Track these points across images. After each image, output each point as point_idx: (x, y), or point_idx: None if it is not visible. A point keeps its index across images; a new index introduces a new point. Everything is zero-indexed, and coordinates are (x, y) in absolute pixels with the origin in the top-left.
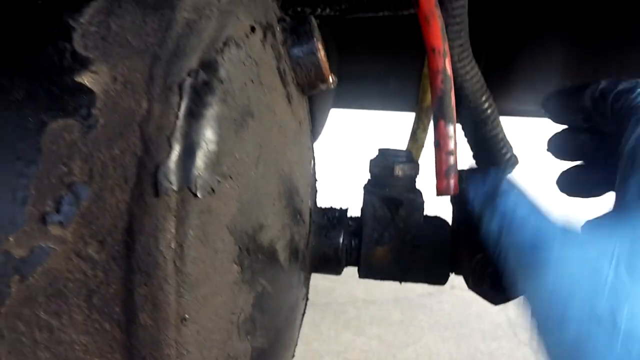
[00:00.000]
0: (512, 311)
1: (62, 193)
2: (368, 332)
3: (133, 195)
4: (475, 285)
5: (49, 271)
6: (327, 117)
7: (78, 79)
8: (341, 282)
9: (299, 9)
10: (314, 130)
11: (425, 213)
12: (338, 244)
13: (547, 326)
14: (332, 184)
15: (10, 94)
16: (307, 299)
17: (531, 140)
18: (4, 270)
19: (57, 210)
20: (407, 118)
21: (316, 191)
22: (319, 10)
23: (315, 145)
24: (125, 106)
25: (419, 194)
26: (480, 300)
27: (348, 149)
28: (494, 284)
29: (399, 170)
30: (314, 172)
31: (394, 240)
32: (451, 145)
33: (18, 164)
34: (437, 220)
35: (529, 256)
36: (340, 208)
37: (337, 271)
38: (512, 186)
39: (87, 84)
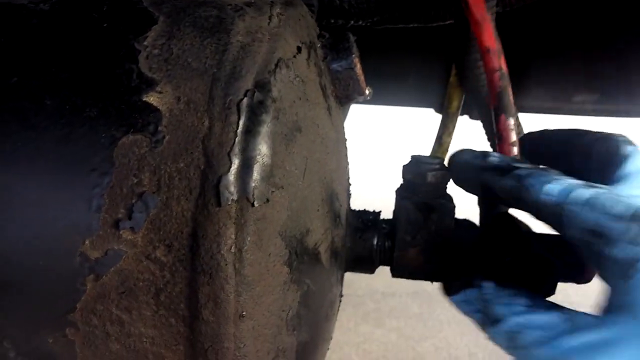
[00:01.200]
0: None
1: (133, 201)
2: (387, 324)
3: (197, 204)
4: None
5: (120, 271)
6: (347, 112)
7: (145, 98)
8: (360, 275)
9: (332, 21)
10: None
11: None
12: (372, 245)
13: None
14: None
15: (84, 111)
16: (341, 296)
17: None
18: (80, 270)
19: (129, 217)
20: (417, 114)
21: (350, 195)
22: (352, 22)
23: None
24: (189, 124)
25: (449, 199)
26: None
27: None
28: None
29: (431, 177)
30: (349, 177)
31: (426, 242)
32: (513, 137)
33: (93, 175)
34: (467, 223)
35: None
36: (374, 211)
37: (371, 270)
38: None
39: (154, 103)
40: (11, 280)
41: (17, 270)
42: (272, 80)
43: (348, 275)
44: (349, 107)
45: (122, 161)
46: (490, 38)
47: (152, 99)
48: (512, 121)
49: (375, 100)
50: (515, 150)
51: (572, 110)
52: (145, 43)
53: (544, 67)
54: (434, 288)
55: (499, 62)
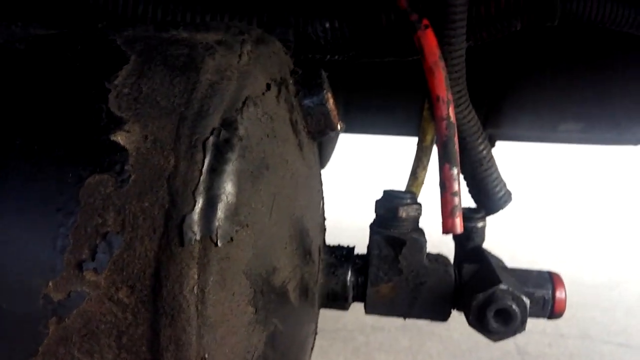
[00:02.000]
0: (521, 339)
1: (97, 242)
2: (377, 358)
3: (160, 244)
4: (475, 323)
5: (83, 313)
6: (335, 144)
7: (113, 137)
8: (349, 309)
9: (310, 56)
10: (323, 157)
11: (427, 251)
12: (345, 281)
13: None
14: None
15: (53, 151)
16: (315, 334)
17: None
18: (44, 312)
19: (93, 258)
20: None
21: (325, 230)
22: (329, 56)
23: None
24: (155, 162)
25: (421, 233)
26: None
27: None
28: (493, 323)
29: (402, 212)
30: (323, 212)
31: (397, 278)
32: (455, 187)
33: (58, 215)
34: (440, 258)
35: None
36: (347, 246)
37: (344, 307)
38: None
39: (121, 142)
40: None
41: None
42: (239, 118)
43: (337, 310)
44: (336, 138)
45: (87, 201)
46: (440, 86)
47: (119, 137)
48: (455, 171)
49: (364, 130)
50: (456, 200)
51: (558, 138)
52: (116, 82)
53: (529, 96)
54: (423, 322)
55: (447, 111)
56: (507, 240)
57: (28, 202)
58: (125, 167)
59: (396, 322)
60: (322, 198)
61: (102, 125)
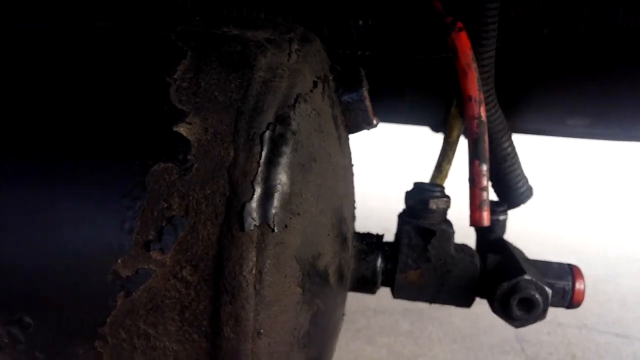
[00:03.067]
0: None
1: (163, 224)
2: (378, 341)
3: (222, 229)
4: (499, 310)
5: (149, 289)
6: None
7: (175, 128)
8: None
9: (341, 51)
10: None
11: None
12: (375, 267)
13: None
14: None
15: (120, 140)
16: (343, 314)
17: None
18: (112, 287)
19: (159, 239)
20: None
21: (355, 218)
22: (360, 52)
23: None
24: (216, 153)
25: (449, 225)
26: (489, 314)
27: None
28: (516, 311)
29: (433, 204)
30: (354, 201)
31: (426, 266)
32: (484, 182)
33: (126, 199)
34: (466, 249)
35: None
36: (377, 234)
37: (373, 291)
38: None
39: (184, 133)
40: (46, 295)
41: (52, 285)
42: (292, 114)
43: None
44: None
45: (153, 187)
46: (473, 87)
47: (182, 129)
48: (484, 167)
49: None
50: (484, 194)
51: (565, 133)
52: (175, 76)
53: (539, 92)
54: (425, 306)
55: (479, 110)
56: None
57: (98, 188)
58: (188, 157)
59: (398, 306)
60: (354, 188)
61: (165, 117)
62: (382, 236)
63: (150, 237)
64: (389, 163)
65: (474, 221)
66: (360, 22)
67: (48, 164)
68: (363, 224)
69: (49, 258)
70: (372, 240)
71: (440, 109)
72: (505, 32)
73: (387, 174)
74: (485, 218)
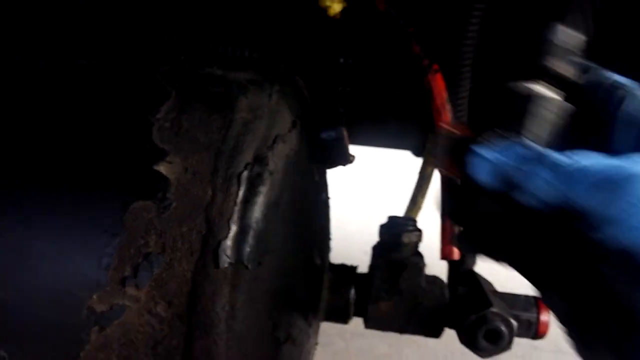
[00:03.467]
0: None
1: (139, 261)
2: None
3: (197, 265)
4: (466, 341)
5: (123, 324)
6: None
7: (156, 167)
8: None
9: (324, 86)
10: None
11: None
12: (348, 298)
13: None
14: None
15: (101, 177)
16: (316, 344)
17: None
18: (87, 322)
19: (135, 275)
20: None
21: (330, 249)
22: (340, 88)
23: None
24: (194, 192)
25: (421, 257)
26: None
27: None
28: (483, 342)
29: (405, 238)
30: (329, 233)
31: (397, 298)
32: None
33: (105, 236)
34: (437, 281)
35: None
36: (351, 265)
37: (345, 321)
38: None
39: (164, 172)
40: (22, 329)
41: (28, 320)
42: (270, 154)
43: None
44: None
45: (132, 224)
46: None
47: (162, 168)
48: None
49: (357, 141)
50: (455, 228)
51: None
52: (158, 116)
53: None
54: None
55: None
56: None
57: (77, 223)
58: (167, 195)
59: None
60: (329, 220)
61: (146, 155)
62: (355, 268)
63: (127, 273)
64: (371, 186)
65: (444, 255)
66: (342, 60)
67: (28, 199)
68: (344, 245)
69: (26, 292)
70: (345, 272)
71: (421, 135)
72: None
73: (369, 196)
74: (455, 252)
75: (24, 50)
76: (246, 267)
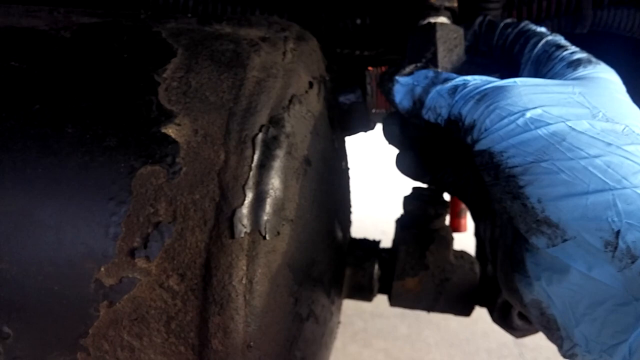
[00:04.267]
0: None
1: (149, 231)
2: (375, 345)
3: (211, 235)
4: (499, 320)
5: (134, 299)
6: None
7: (164, 130)
8: None
9: (339, 50)
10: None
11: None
12: (372, 274)
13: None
14: None
15: (104, 140)
16: (339, 323)
17: None
18: (95, 296)
19: (144, 246)
20: None
21: (351, 222)
22: (358, 51)
23: None
24: (205, 156)
25: (448, 231)
26: (487, 318)
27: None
28: (517, 321)
29: (431, 210)
30: (351, 205)
31: (424, 273)
32: None
33: (111, 204)
34: (466, 256)
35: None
36: (374, 240)
37: (369, 299)
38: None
39: (172, 135)
40: (25, 303)
41: (31, 293)
42: (286, 116)
43: None
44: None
45: (139, 191)
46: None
47: (170, 131)
48: None
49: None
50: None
51: None
52: (165, 75)
53: None
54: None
55: None
56: None
57: (80, 190)
58: (177, 160)
59: (395, 309)
60: (350, 192)
61: (153, 117)
62: (378, 242)
63: (136, 244)
64: (388, 164)
65: (452, 228)
66: (359, 21)
67: (29, 162)
68: (360, 227)
69: (29, 265)
70: (368, 247)
71: None
72: None
73: (386, 175)
74: (463, 225)
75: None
76: (264, 238)
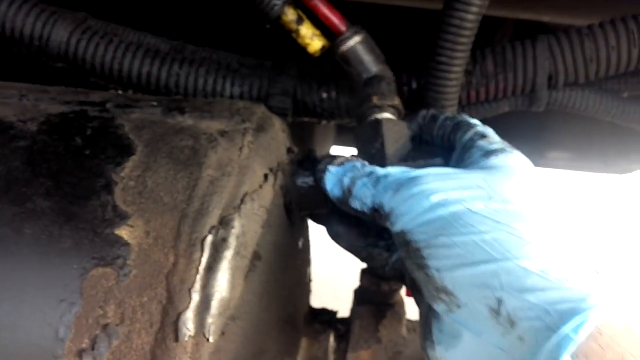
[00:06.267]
0: None
1: (97, 333)
2: None
3: (157, 338)
4: None
5: None
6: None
7: (117, 232)
8: None
9: (306, 120)
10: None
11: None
12: (327, 347)
13: None
14: None
15: (60, 242)
16: None
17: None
18: None
19: (92, 348)
20: None
21: (310, 293)
22: (324, 121)
23: None
24: (156, 259)
25: (402, 305)
26: None
27: None
28: None
29: (386, 287)
30: (310, 277)
31: (377, 347)
32: None
33: (62, 305)
34: (418, 327)
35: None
36: (331, 311)
37: None
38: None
39: (125, 237)
40: None
41: None
42: (237, 216)
43: None
44: (330, 147)
45: (90, 293)
46: None
47: (123, 232)
48: None
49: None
50: None
51: (545, 165)
52: (123, 174)
53: (519, 125)
54: None
55: None
56: None
57: (35, 292)
58: (128, 262)
59: None
60: (310, 265)
61: (108, 219)
62: (335, 313)
63: (84, 345)
64: None
65: (408, 294)
66: (325, 95)
67: None
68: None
69: None
70: (325, 319)
71: None
72: (465, 110)
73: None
74: None
75: None
76: (208, 340)
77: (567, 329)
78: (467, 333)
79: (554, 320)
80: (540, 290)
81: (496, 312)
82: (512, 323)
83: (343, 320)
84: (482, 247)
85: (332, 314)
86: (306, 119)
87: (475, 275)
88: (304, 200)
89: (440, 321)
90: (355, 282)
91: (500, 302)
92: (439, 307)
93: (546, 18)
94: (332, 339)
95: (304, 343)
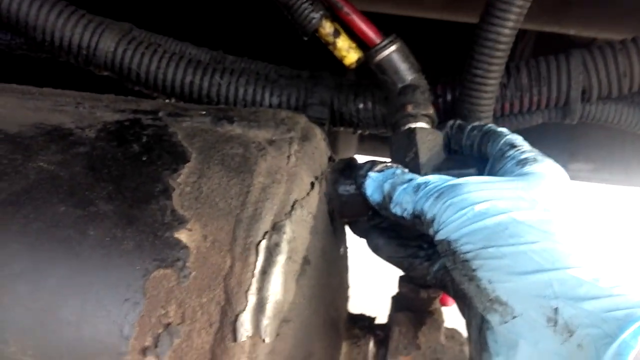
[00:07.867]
0: None
1: (160, 331)
2: None
3: (216, 338)
4: None
5: None
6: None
7: (176, 235)
8: None
9: (342, 129)
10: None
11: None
12: (367, 352)
13: None
14: None
15: (122, 243)
16: None
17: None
18: None
19: (155, 345)
20: None
21: (348, 299)
22: (360, 131)
23: None
24: (213, 261)
25: (440, 313)
26: None
27: None
28: None
29: (424, 294)
30: (349, 285)
31: (416, 353)
32: None
33: (126, 305)
34: (457, 335)
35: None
36: (369, 317)
37: None
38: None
39: (184, 240)
40: None
41: None
42: (288, 222)
43: None
44: (352, 153)
45: (152, 293)
46: None
47: (182, 236)
48: None
49: (377, 152)
50: None
51: (569, 176)
52: (179, 180)
53: (541, 137)
54: None
55: None
56: None
57: (99, 291)
58: (187, 264)
59: None
60: (348, 270)
61: (167, 222)
62: (374, 319)
63: (147, 343)
64: None
65: (441, 302)
66: (361, 105)
67: (55, 265)
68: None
69: (51, 358)
70: (364, 324)
71: None
72: (499, 123)
73: None
74: (451, 300)
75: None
76: (263, 341)
77: (625, 335)
78: (523, 342)
79: (612, 328)
80: (594, 298)
81: (553, 321)
82: (569, 331)
83: (381, 326)
84: (532, 257)
85: (371, 319)
86: (342, 129)
87: (529, 285)
88: (345, 208)
89: (494, 332)
90: (366, 290)
91: (556, 310)
92: (493, 318)
93: (572, 31)
94: (371, 344)
95: (344, 347)
